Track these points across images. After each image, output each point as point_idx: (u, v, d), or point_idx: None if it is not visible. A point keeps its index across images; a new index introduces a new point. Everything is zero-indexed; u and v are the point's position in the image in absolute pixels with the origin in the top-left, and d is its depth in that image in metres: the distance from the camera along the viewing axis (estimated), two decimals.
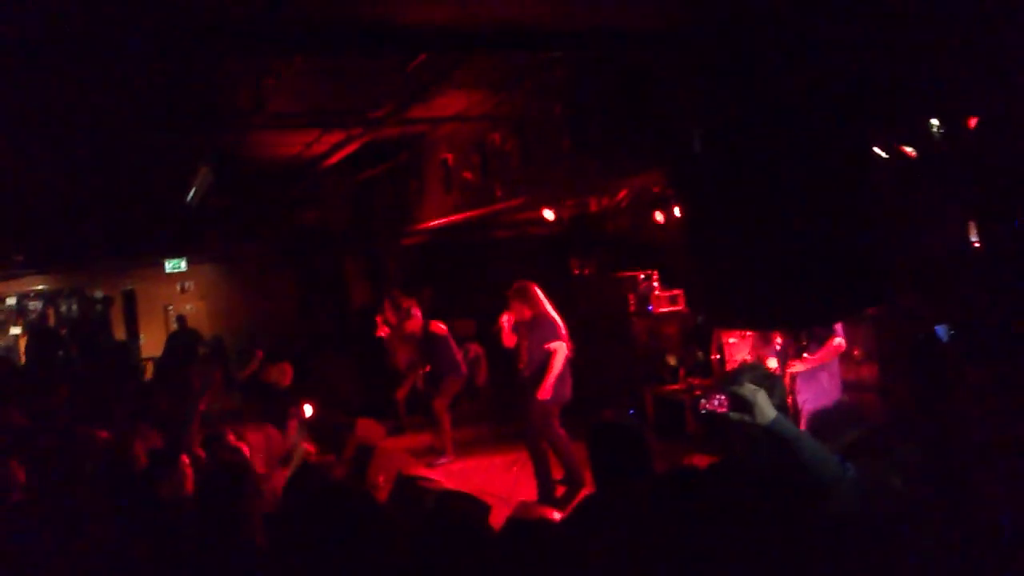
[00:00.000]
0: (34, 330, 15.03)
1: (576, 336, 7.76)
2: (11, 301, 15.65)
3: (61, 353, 13.01)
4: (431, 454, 9.56)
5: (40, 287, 15.76)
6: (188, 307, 15.76)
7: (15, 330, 15.48)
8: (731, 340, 8.50)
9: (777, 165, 5.25)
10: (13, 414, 8.05)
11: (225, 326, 15.38)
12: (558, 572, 3.20)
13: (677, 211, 9.09)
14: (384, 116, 8.90)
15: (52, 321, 15.44)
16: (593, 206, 11.15)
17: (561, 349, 7.43)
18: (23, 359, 14.29)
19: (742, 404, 3.37)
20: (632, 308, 10.28)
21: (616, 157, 7.67)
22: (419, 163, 11.81)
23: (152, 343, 15.07)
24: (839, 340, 6.54)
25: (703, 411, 6.20)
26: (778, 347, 6.77)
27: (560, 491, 7.47)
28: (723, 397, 5.49)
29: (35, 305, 15.77)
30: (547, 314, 7.59)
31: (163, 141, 9.47)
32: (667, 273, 10.30)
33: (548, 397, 7.33)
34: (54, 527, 4.52)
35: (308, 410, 7.81)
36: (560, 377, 7.40)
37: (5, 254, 13.34)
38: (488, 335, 9.38)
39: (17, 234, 12.64)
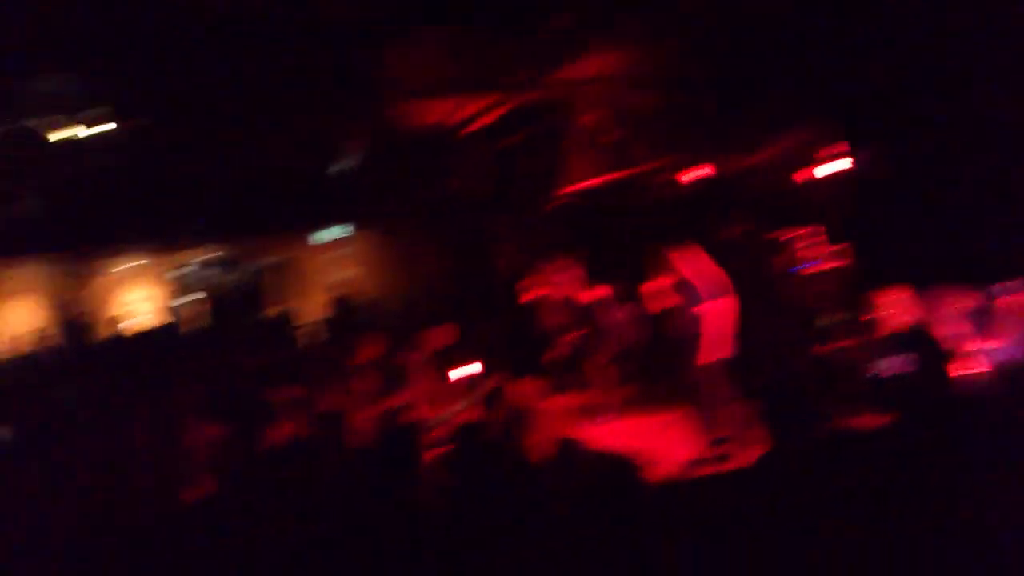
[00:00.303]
0: (208, 297, 15.91)
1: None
2: (187, 270, 16.47)
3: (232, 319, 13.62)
4: (586, 414, 9.60)
5: (212, 256, 16.53)
6: (343, 275, 16.24)
7: (190, 297, 16.28)
8: (890, 301, 8.17)
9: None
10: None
11: (379, 293, 15.81)
12: (723, 531, 3.21)
13: (836, 165, 8.67)
14: (526, 80, 8.94)
15: (223, 288, 16.28)
16: (739, 163, 10.91)
17: (719, 308, 7.33)
18: (200, 324, 15.10)
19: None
20: (783, 268, 10.01)
21: (764, 113, 7.50)
22: (562, 127, 11.79)
23: (311, 310, 15.61)
24: None
25: (872, 373, 6.02)
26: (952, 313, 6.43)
27: (720, 451, 7.38)
28: (894, 359, 5.30)
29: (208, 273, 16.54)
30: (703, 273, 7.49)
31: (321, 115, 9.78)
32: (819, 231, 9.97)
33: (709, 357, 7.25)
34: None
35: (467, 371, 7.96)
36: (719, 336, 7.31)
37: (182, 226, 14.16)
38: (639, 295, 9.33)
39: (193, 208, 13.38)
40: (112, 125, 9.08)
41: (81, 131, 9.01)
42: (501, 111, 10.02)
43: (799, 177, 10.17)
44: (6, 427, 7.52)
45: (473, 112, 10.30)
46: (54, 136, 8.66)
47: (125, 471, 5.66)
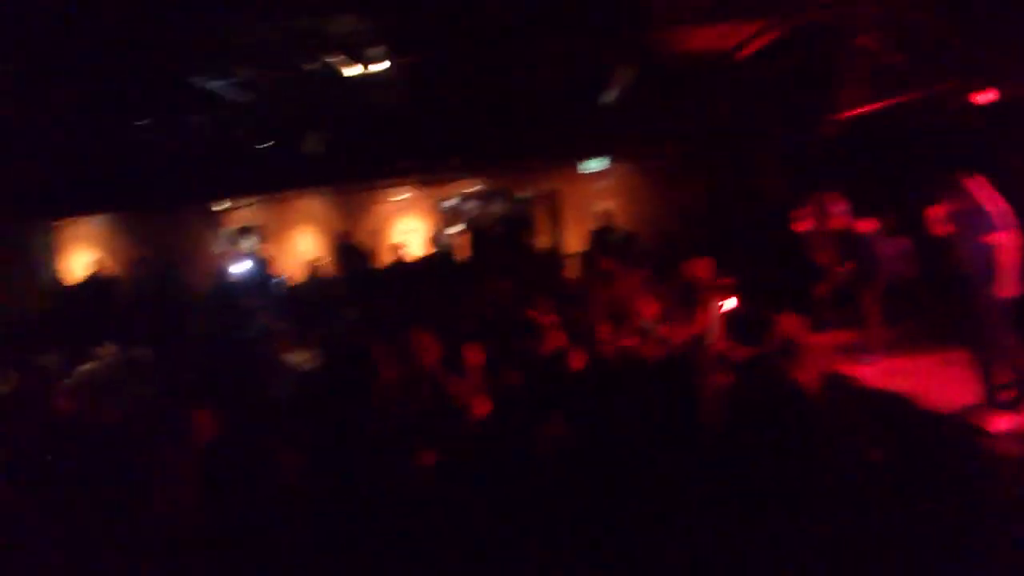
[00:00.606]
0: (471, 228, 16.56)
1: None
2: (452, 202, 17.18)
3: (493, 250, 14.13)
4: (857, 352, 9.29)
5: (476, 188, 17.13)
6: (605, 205, 16.36)
7: (456, 229, 17.01)
8: None
9: None
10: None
11: (641, 225, 15.87)
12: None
13: None
14: (802, 2, 8.59)
15: (487, 220, 16.89)
16: None
17: (1009, 241, 6.74)
18: (465, 255, 15.82)
19: None
20: None
21: None
22: (837, 50, 11.23)
23: (573, 240, 15.90)
24: None
25: None
26: None
27: (1006, 396, 6.88)
28: None
29: (471, 205, 17.18)
30: (989, 204, 6.96)
31: (586, 41, 9.85)
32: None
33: (1002, 293, 6.73)
34: None
35: (730, 303, 7.90)
36: (1010, 271, 6.76)
37: (446, 159, 14.80)
38: (916, 228, 8.84)
39: (456, 141, 13.95)
40: (388, 63, 9.53)
41: (361, 68, 9.53)
42: (774, 35, 9.66)
43: None
44: (303, 349, 8.17)
45: (745, 37, 9.99)
46: (347, 73, 9.23)
47: (414, 393, 6.06)
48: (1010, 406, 6.60)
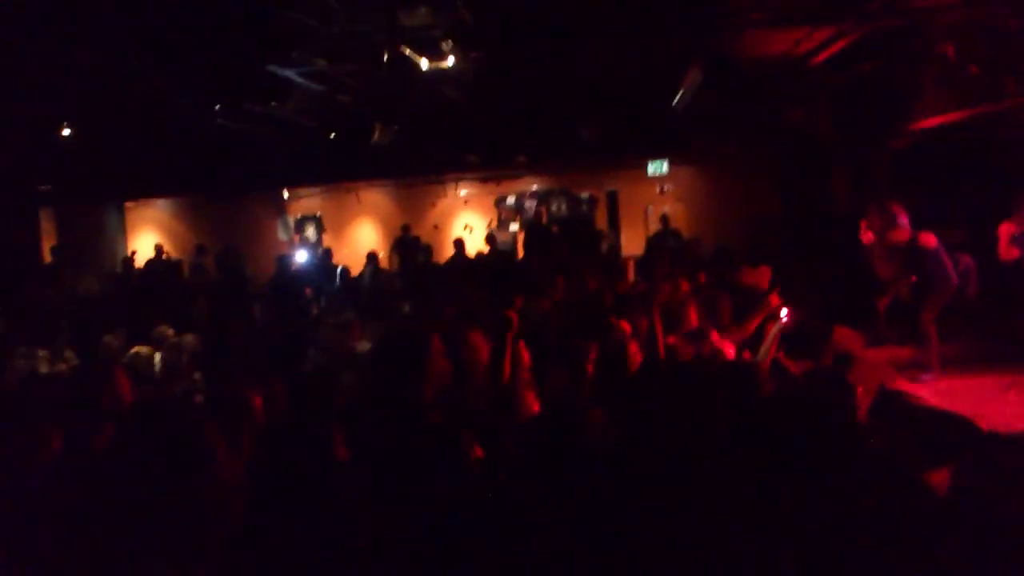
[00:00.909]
0: (530, 227, 16.54)
1: None
2: (511, 200, 17.20)
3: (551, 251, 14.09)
4: (914, 368, 9.07)
5: (535, 187, 17.13)
6: (667, 208, 16.26)
7: (514, 227, 17.03)
8: None
9: None
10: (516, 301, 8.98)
11: (703, 229, 15.72)
12: None
13: None
14: (880, 6, 8.40)
15: (545, 219, 16.89)
16: None
17: None
18: (521, 254, 15.83)
19: None
20: None
21: None
22: (914, 57, 10.97)
23: (632, 242, 15.81)
24: None
25: None
26: None
27: None
28: None
29: (531, 204, 17.17)
30: None
31: (656, 42, 9.77)
32: None
33: None
34: None
35: (785, 314, 7.75)
36: None
37: (509, 156, 14.80)
38: (981, 245, 8.60)
39: (518, 138, 13.94)
40: (457, 58, 9.57)
41: (431, 63, 9.58)
42: (849, 41, 9.47)
43: None
44: (361, 337, 8.18)
45: (821, 41, 9.82)
46: (417, 66, 9.29)
47: (466, 387, 6.06)
48: None
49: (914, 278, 9.43)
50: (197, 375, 7.25)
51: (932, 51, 10.24)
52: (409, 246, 15.68)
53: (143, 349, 7.37)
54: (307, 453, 4.92)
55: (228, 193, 15.81)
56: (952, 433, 4.49)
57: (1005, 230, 7.07)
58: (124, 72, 9.61)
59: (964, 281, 9.96)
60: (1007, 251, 7.14)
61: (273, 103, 10.80)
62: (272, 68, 9.86)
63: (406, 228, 16.01)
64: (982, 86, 9.17)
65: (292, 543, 4.04)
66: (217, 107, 11.38)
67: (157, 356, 7.38)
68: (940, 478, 3.66)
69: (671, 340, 6.35)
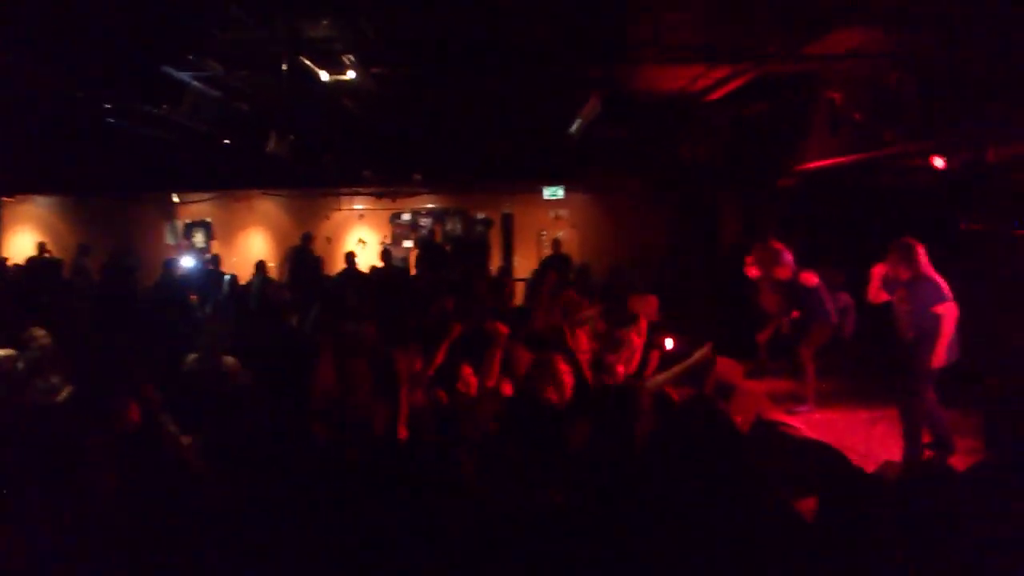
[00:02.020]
0: (424, 245, 16.52)
1: (960, 297, 7.17)
2: (406, 217, 17.14)
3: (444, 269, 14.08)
4: (791, 401, 9.37)
5: (430, 205, 17.12)
6: (560, 234, 16.45)
7: (407, 243, 16.97)
8: None
9: None
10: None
11: (593, 255, 15.96)
12: (944, 528, 3.08)
13: None
14: (776, 52, 8.69)
15: (439, 238, 16.89)
16: (991, 156, 10.17)
17: (950, 312, 6.96)
18: (413, 270, 15.77)
19: None
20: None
21: None
22: (804, 102, 11.39)
23: (524, 266, 15.91)
24: None
25: None
26: None
27: (927, 455, 7.07)
28: None
29: (425, 222, 17.14)
30: (930, 275, 7.12)
31: (556, 72, 9.89)
32: None
33: (942, 363, 6.96)
34: None
35: (669, 343, 7.91)
36: (948, 339, 6.97)
37: (405, 174, 14.75)
38: (858, 286, 8.93)
39: (416, 156, 13.92)
40: (359, 72, 9.51)
41: (332, 75, 9.50)
42: (747, 80, 9.78)
43: None
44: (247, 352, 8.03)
45: (717, 79, 10.11)
46: (317, 78, 9.19)
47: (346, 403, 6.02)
48: (932, 467, 6.67)
49: (795, 314, 9.75)
50: (55, 378, 6.96)
51: (821, 97, 10.65)
52: (303, 256, 15.44)
53: (5, 351, 7.05)
54: (168, 458, 4.89)
55: (114, 193, 15.32)
56: (822, 464, 4.63)
57: (877, 272, 7.37)
58: (3, 63, 9.24)
59: (843, 319, 10.36)
60: (876, 294, 7.45)
61: (165, 106, 10.51)
62: (166, 70, 9.61)
63: (307, 238, 15.68)
64: (865, 133, 9.55)
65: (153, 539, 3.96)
66: (107, 106, 11.01)
67: (22, 359, 7.06)
68: (808, 505, 3.79)
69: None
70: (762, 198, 13.44)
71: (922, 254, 7.14)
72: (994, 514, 3.30)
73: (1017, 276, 9.35)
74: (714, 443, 3.83)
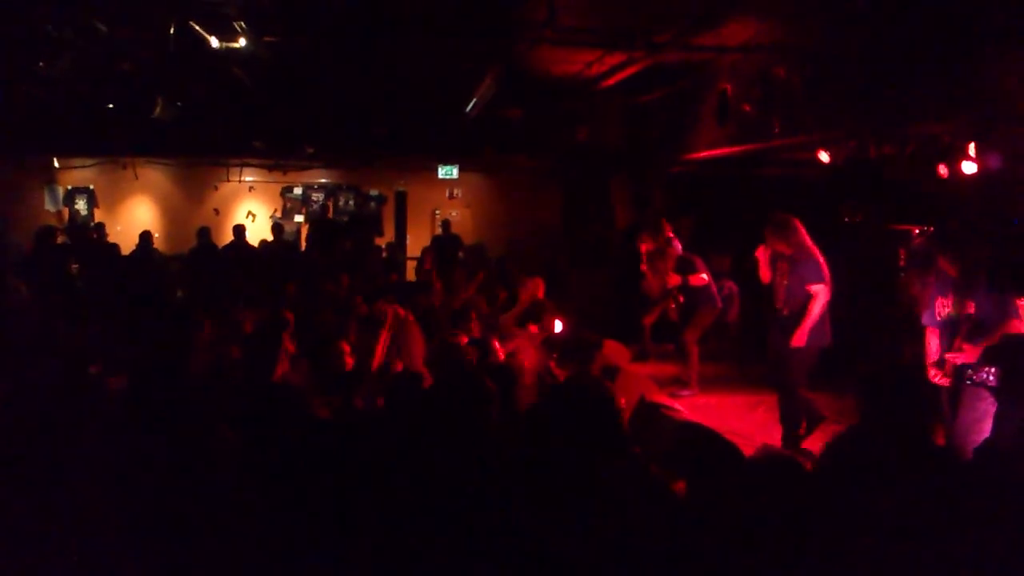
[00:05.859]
0: (315, 220, 16.26)
1: (837, 287, 7.25)
2: (297, 191, 16.81)
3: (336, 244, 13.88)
4: (675, 384, 9.54)
5: (323, 180, 16.82)
6: (454, 213, 16.41)
7: (298, 218, 16.66)
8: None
9: None
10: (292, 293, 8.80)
11: (488, 235, 15.97)
12: (806, 509, 3.16)
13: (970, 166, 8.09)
14: (670, 40, 8.79)
15: (331, 213, 16.63)
16: (872, 151, 10.50)
17: (822, 292, 7.00)
18: (303, 246, 15.51)
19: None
20: (902, 263, 9.65)
21: (912, 101, 7.17)
22: (697, 91, 11.57)
23: (416, 244, 15.79)
24: None
25: (969, 380, 5.82)
26: None
27: (804, 440, 7.26)
28: (994, 370, 5.13)
29: (318, 197, 16.85)
30: (809, 252, 7.12)
31: (451, 48, 9.82)
32: (944, 231, 9.52)
33: (803, 345, 7.01)
34: None
35: (558, 325, 7.94)
36: (819, 323, 7.04)
37: (297, 147, 14.45)
38: (743, 273, 9.15)
39: (309, 129, 13.64)
40: (250, 40, 9.24)
41: (223, 42, 9.20)
42: (641, 67, 9.88)
43: (929, 173, 9.69)
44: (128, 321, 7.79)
45: (612, 66, 10.20)
46: (207, 44, 8.87)
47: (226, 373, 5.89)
48: (806, 450, 6.88)
49: (681, 299, 9.93)
50: None
51: (713, 87, 10.83)
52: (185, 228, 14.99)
53: None
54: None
55: None
56: (701, 446, 4.71)
57: (762, 254, 7.46)
58: None
59: (727, 305, 10.60)
60: (768, 275, 7.52)
61: (42, 63, 10.02)
62: (42, 22, 9.14)
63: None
64: (753, 125, 9.74)
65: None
66: None
67: None
68: (682, 486, 3.86)
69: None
70: (652, 183, 13.63)
71: (801, 229, 7.20)
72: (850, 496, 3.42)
73: (890, 270, 9.72)
74: (594, 418, 3.84)
